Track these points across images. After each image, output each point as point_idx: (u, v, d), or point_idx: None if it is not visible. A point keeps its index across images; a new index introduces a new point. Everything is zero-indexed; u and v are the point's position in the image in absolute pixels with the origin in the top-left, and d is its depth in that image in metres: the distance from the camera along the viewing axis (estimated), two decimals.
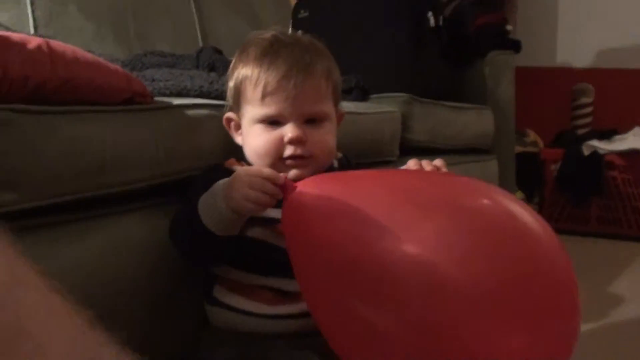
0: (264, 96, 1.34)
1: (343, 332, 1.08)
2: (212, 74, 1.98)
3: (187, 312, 1.49)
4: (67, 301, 0.48)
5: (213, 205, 1.23)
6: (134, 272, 1.39)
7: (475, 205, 1.05)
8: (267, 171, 1.20)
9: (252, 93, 1.36)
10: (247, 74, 1.38)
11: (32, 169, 1.18)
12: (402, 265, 0.96)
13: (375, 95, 2.66)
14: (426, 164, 1.33)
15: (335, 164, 1.51)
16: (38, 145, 1.19)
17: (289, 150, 1.35)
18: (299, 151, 1.35)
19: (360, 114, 2.21)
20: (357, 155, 1.52)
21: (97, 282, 1.31)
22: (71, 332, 0.46)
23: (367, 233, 1.02)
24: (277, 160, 1.36)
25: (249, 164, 1.42)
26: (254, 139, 1.38)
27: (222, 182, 1.25)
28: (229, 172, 1.33)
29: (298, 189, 1.18)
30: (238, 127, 1.46)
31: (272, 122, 1.36)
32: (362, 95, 2.58)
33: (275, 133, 1.35)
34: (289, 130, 1.34)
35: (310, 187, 1.19)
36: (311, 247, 1.12)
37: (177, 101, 1.54)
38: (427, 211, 1.02)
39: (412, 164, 1.36)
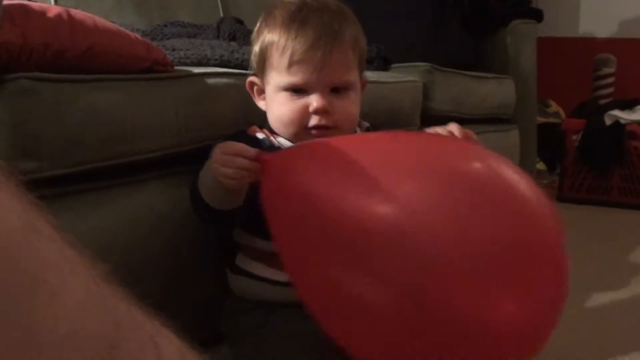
0: (290, 65, 1.32)
1: (325, 305, 1.06)
2: (233, 44, 1.97)
3: (209, 280, 1.50)
4: (81, 254, 0.48)
5: (205, 181, 1.24)
6: (155, 239, 1.40)
7: (465, 168, 1.01)
8: (238, 147, 1.18)
9: (279, 60, 1.34)
10: (273, 40, 1.35)
11: (53, 137, 1.19)
12: (383, 228, 0.94)
13: (396, 65, 2.64)
14: (441, 130, 1.31)
15: (360, 132, 1.49)
16: (59, 114, 1.20)
17: (313, 120, 1.34)
18: (323, 121, 1.34)
19: (381, 83, 2.21)
20: (378, 125, 1.51)
21: (119, 250, 1.32)
22: (86, 281, 0.46)
23: (346, 195, 0.99)
24: (302, 130, 1.35)
25: (271, 130, 1.41)
26: (278, 107, 1.36)
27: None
28: (253, 139, 1.35)
29: (275, 159, 1.16)
30: (261, 91, 1.44)
31: (298, 90, 1.34)
32: (384, 64, 2.57)
33: (301, 102, 1.34)
34: (314, 100, 1.33)
35: (287, 157, 1.18)
36: (289, 218, 1.10)
37: (197, 70, 1.54)
38: (411, 173, 0.99)
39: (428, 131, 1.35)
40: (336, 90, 1.36)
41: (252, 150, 1.17)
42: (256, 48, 1.41)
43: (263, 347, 1.32)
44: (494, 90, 3.09)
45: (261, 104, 1.45)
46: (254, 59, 1.44)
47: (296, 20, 1.34)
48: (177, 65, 1.54)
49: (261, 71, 1.41)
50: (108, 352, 0.45)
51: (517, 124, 3.31)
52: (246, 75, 1.47)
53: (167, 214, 1.42)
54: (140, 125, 1.34)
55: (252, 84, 1.45)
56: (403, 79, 2.40)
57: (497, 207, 0.96)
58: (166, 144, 1.41)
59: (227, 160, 1.17)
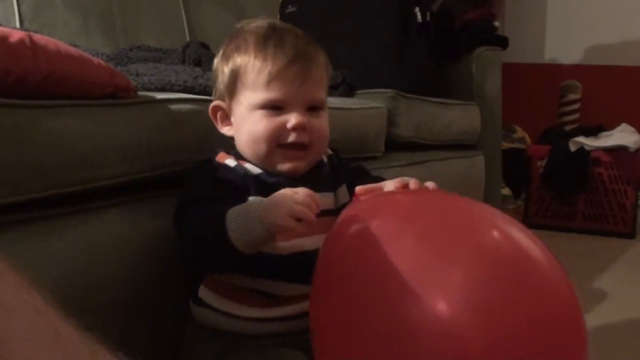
0: (269, 81, 1.32)
1: None
2: (197, 69, 1.98)
3: (170, 308, 1.49)
4: (54, 317, 0.48)
5: (246, 224, 1.18)
6: (115, 267, 1.38)
7: (497, 247, 1.02)
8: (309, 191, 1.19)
9: (256, 78, 1.33)
10: (247, 60, 1.35)
11: (14, 163, 1.18)
12: (424, 328, 0.93)
13: (361, 91, 2.65)
14: (413, 184, 1.28)
15: (325, 159, 1.49)
16: (19, 140, 1.19)
17: (291, 137, 1.33)
18: (301, 138, 1.33)
19: (346, 109, 2.21)
20: (343, 151, 1.52)
21: (78, 277, 1.31)
22: (55, 354, 0.46)
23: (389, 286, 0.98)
24: (275, 148, 1.34)
25: (238, 156, 1.39)
26: (252, 125, 1.34)
27: (256, 200, 1.24)
28: (223, 167, 1.35)
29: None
30: (225, 117, 1.43)
31: (274, 107, 1.33)
32: (349, 90, 2.58)
33: (278, 119, 1.33)
34: (293, 117, 1.32)
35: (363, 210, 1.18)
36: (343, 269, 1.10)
37: (160, 96, 1.54)
38: (451, 258, 0.99)
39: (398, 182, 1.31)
40: (312, 109, 1.36)
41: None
42: (225, 70, 1.40)
43: None
44: (459, 117, 3.11)
45: (225, 129, 1.43)
46: (220, 83, 1.42)
47: (271, 40, 1.35)
48: (140, 91, 1.54)
49: (230, 93, 1.39)
50: None
51: (482, 150, 3.32)
52: (210, 102, 1.46)
53: (129, 240, 1.41)
54: (102, 151, 1.33)
55: (217, 109, 1.43)
56: (368, 105, 2.41)
57: (530, 290, 0.96)
58: (129, 170, 1.40)
59: (303, 200, 1.17)
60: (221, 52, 1.44)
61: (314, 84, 1.36)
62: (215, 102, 1.43)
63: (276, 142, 1.34)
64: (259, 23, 1.42)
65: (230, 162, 1.37)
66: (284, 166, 1.35)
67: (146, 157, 1.43)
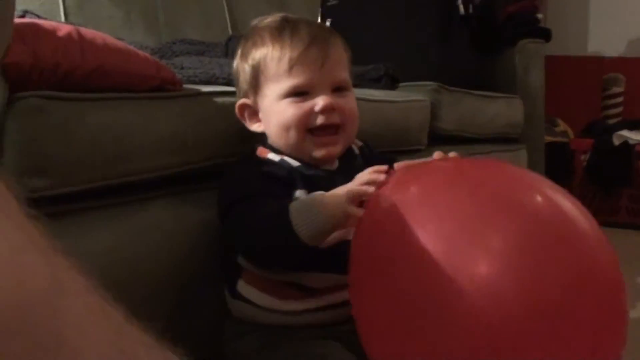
0: (291, 67, 1.33)
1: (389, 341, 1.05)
2: None
3: (213, 301, 1.49)
4: (103, 299, 0.49)
5: (310, 217, 1.19)
6: (160, 258, 1.40)
7: (539, 211, 1.00)
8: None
9: (277, 68, 1.34)
10: (266, 52, 1.36)
11: (63, 155, 1.20)
12: (467, 294, 0.91)
13: (404, 84, 2.65)
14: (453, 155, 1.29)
15: (356, 150, 1.50)
16: (68, 132, 1.20)
17: (320, 120, 1.33)
18: (331, 119, 1.34)
19: (389, 102, 2.21)
20: (385, 144, 1.52)
21: (124, 268, 1.32)
22: (107, 333, 0.47)
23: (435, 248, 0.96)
24: (305, 134, 1.35)
25: (275, 150, 1.39)
26: (280, 115, 1.36)
27: (317, 194, 1.23)
28: (266, 162, 1.36)
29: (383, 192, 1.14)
30: (253, 114, 1.44)
31: (300, 93, 1.34)
32: (392, 83, 2.57)
33: (305, 104, 1.33)
34: (320, 99, 1.33)
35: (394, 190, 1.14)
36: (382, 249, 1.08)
37: (205, 88, 1.55)
38: (493, 222, 0.98)
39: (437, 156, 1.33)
40: (337, 90, 1.36)
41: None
42: (245, 68, 1.41)
43: None
44: (502, 110, 3.09)
45: (255, 126, 1.44)
46: (243, 82, 1.43)
47: (286, 29, 1.36)
48: (185, 84, 1.55)
49: (254, 89, 1.40)
50: None
51: (525, 144, 3.31)
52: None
53: (173, 231, 1.43)
54: (149, 143, 1.35)
55: (243, 107, 1.45)
56: (411, 98, 2.41)
57: (572, 252, 0.95)
58: (174, 163, 1.42)
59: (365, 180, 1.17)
60: (239, 52, 1.46)
61: (335, 64, 1.36)
62: (240, 101, 1.45)
63: (305, 127, 1.34)
64: (271, 18, 1.44)
65: (274, 156, 1.38)
66: (319, 153, 1.36)
67: (192, 149, 1.44)
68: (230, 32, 2.90)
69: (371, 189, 1.15)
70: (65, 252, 0.48)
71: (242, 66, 1.43)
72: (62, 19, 2.32)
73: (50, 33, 1.23)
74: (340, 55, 1.39)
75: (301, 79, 1.33)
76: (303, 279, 1.33)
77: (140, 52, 1.41)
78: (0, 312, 0.37)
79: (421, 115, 2.45)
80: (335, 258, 1.24)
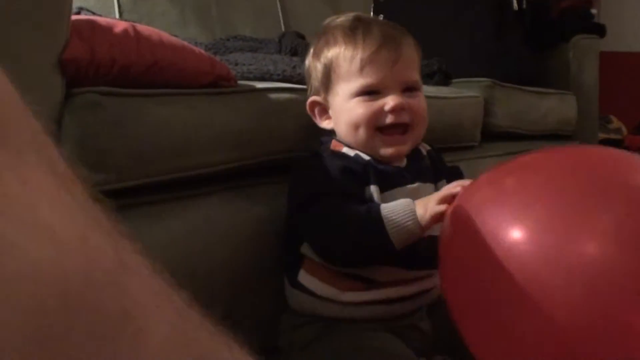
0: (362, 67, 1.33)
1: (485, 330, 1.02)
2: (295, 59, 1.98)
3: (267, 294, 1.50)
4: (167, 283, 0.49)
5: (403, 222, 1.20)
6: (214, 253, 1.40)
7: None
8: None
9: (349, 67, 1.35)
10: (338, 52, 1.37)
11: (118, 150, 1.20)
12: (576, 272, 0.88)
13: (457, 80, 2.63)
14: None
15: (424, 152, 1.49)
16: (124, 128, 1.21)
17: (390, 119, 1.34)
18: (401, 119, 1.34)
19: (442, 98, 2.20)
20: (438, 140, 1.51)
21: (179, 263, 1.33)
22: (171, 315, 0.47)
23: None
24: (374, 132, 1.35)
25: (346, 145, 1.40)
26: (350, 112, 1.36)
27: (403, 199, 1.23)
28: (340, 155, 1.36)
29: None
30: (323, 111, 1.45)
31: (371, 92, 1.34)
32: (445, 79, 2.57)
33: (375, 103, 1.34)
34: (391, 99, 1.33)
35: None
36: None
37: (260, 85, 1.55)
38: (598, 202, 0.94)
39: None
40: (408, 90, 1.36)
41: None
42: (318, 67, 1.42)
43: None
44: (555, 106, 3.07)
45: (324, 123, 1.45)
46: (314, 80, 1.44)
47: (359, 29, 1.37)
48: (240, 80, 1.56)
49: (325, 88, 1.41)
50: None
51: (578, 140, 3.27)
52: (309, 92, 1.47)
53: (227, 226, 1.43)
54: (204, 139, 1.35)
55: (314, 104, 1.46)
56: (464, 94, 2.40)
57: None
58: (229, 158, 1.42)
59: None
60: (312, 50, 1.47)
61: (406, 65, 1.37)
62: (311, 98, 1.46)
63: (375, 125, 1.35)
64: (344, 17, 1.45)
65: (348, 150, 1.38)
66: (387, 151, 1.36)
67: (246, 145, 1.45)
68: (282, 28, 2.91)
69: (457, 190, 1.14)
70: (130, 236, 0.49)
71: (314, 64, 1.44)
72: (117, 15, 2.34)
73: (107, 29, 1.24)
74: (411, 56, 1.39)
75: (372, 79, 1.34)
76: (368, 271, 1.33)
77: (195, 49, 1.42)
78: (71, 286, 0.38)
79: (474, 112, 2.43)
80: (408, 254, 1.25)
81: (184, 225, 1.36)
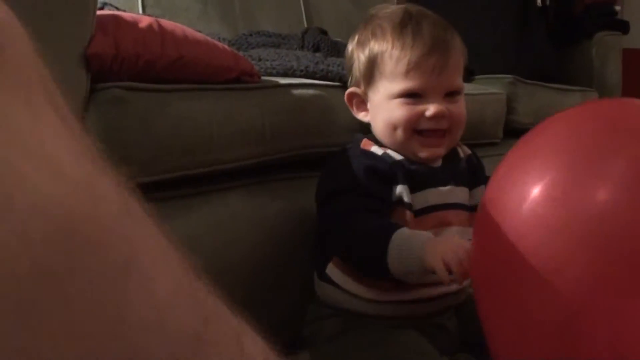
0: (408, 70, 1.31)
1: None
2: (318, 54, 1.98)
3: (289, 287, 1.50)
4: (173, 243, 0.49)
5: (406, 259, 1.18)
6: (238, 247, 1.41)
7: None
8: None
9: (394, 68, 1.33)
10: (385, 49, 1.35)
11: (143, 145, 1.21)
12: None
13: (479, 77, 2.62)
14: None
15: (461, 154, 1.48)
16: (148, 122, 1.22)
17: (429, 125, 1.33)
18: (439, 125, 1.33)
19: (465, 94, 2.19)
20: (460, 137, 1.50)
21: (201, 256, 1.33)
22: (177, 271, 0.47)
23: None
24: (412, 135, 1.34)
25: (377, 141, 1.39)
26: (390, 113, 1.34)
27: (424, 238, 1.19)
28: (372, 156, 1.35)
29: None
30: (361, 103, 1.43)
31: (412, 95, 1.33)
32: (467, 76, 2.55)
33: (416, 108, 1.32)
34: (432, 106, 1.31)
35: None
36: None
37: (283, 81, 1.55)
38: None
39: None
40: (449, 94, 1.35)
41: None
42: (361, 57, 1.39)
43: (344, 353, 1.32)
44: (577, 103, 3.04)
45: (361, 115, 1.44)
46: (356, 70, 1.42)
47: (409, 27, 1.34)
48: (263, 76, 1.56)
49: (367, 81, 1.39)
50: (194, 346, 0.45)
51: None
52: (331, 87, 1.47)
53: (251, 221, 1.44)
54: (227, 134, 1.35)
55: (353, 95, 1.44)
56: (486, 91, 2.39)
57: None
58: (252, 153, 1.43)
59: (460, 253, 1.11)
60: (356, 38, 1.44)
61: (451, 72, 1.35)
62: (351, 89, 1.44)
63: (413, 129, 1.34)
64: (393, 9, 1.42)
65: (377, 149, 1.37)
66: (423, 153, 1.35)
67: (269, 140, 1.45)
68: (305, 23, 2.90)
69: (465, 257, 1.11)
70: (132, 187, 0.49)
71: (357, 54, 1.42)
72: (140, 11, 2.34)
73: (131, 24, 1.24)
74: (457, 61, 1.37)
75: (416, 83, 1.32)
76: None
77: (219, 44, 1.42)
78: (77, 227, 0.38)
79: (497, 109, 2.43)
80: None
81: (208, 219, 1.37)
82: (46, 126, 0.40)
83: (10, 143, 0.36)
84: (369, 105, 1.41)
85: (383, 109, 1.36)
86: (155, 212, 1.15)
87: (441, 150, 1.37)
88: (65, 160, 0.39)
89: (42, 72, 0.44)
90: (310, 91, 1.54)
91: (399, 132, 1.34)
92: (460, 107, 1.37)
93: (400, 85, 1.32)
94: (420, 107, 1.32)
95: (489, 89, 2.43)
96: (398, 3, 3.06)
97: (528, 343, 0.92)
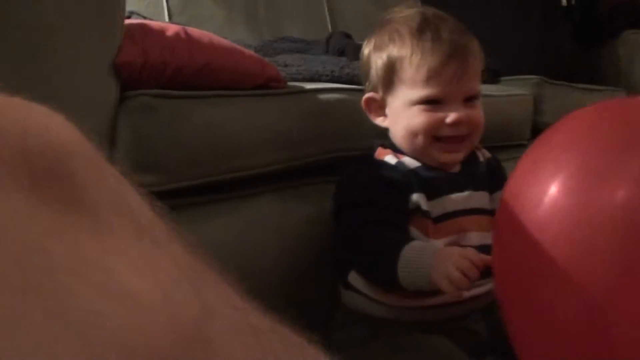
0: (429, 77, 1.30)
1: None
2: (343, 59, 1.99)
3: (318, 292, 1.51)
4: (234, 291, 0.49)
5: (415, 274, 1.19)
6: (266, 253, 1.42)
7: None
8: (476, 259, 1.13)
9: (414, 74, 1.32)
10: (404, 54, 1.33)
11: (171, 152, 1.22)
12: None
13: (505, 78, 2.62)
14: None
15: (481, 158, 1.47)
16: (177, 129, 1.23)
17: (449, 131, 1.32)
18: (459, 131, 1.33)
19: (490, 96, 2.18)
20: (486, 139, 1.49)
21: (230, 261, 1.34)
22: (253, 351, 0.47)
23: None
24: (431, 141, 1.33)
25: (394, 147, 1.38)
26: (410, 119, 1.33)
27: (430, 253, 1.19)
28: (386, 166, 1.34)
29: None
30: (379, 108, 1.41)
31: (432, 102, 1.31)
32: (493, 77, 2.55)
33: (436, 115, 1.31)
34: (452, 112, 1.30)
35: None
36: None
37: (309, 86, 1.56)
38: None
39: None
40: (468, 99, 1.34)
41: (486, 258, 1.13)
42: (379, 62, 1.38)
43: (371, 359, 1.32)
44: None
45: (379, 120, 1.42)
46: (374, 75, 1.40)
47: (427, 34, 1.33)
48: (289, 81, 1.57)
49: (386, 86, 1.37)
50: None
51: None
52: (357, 91, 1.47)
53: (279, 227, 1.45)
54: (255, 140, 1.36)
55: (371, 100, 1.42)
56: (513, 92, 2.38)
57: None
58: (280, 159, 1.43)
59: (463, 264, 1.12)
60: (373, 42, 1.42)
61: (471, 77, 1.34)
62: (368, 95, 1.42)
63: (433, 135, 1.33)
64: (409, 12, 1.41)
65: (391, 158, 1.36)
66: (442, 157, 1.35)
67: (297, 146, 1.46)
68: (329, 28, 2.91)
69: (475, 272, 1.12)
70: (207, 262, 0.49)
71: (374, 58, 1.39)
72: (166, 19, 2.36)
73: (159, 33, 1.26)
74: (476, 66, 1.36)
75: (436, 91, 1.31)
76: None
77: (246, 50, 1.43)
78: (159, 350, 0.38)
79: (523, 110, 2.42)
80: None
81: (236, 225, 1.38)
82: (115, 253, 0.40)
83: (78, 274, 0.37)
84: (387, 111, 1.40)
85: (403, 115, 1.35)
86: (185, 218, 1.16)
87: (460, 155, 1.36)
88: (136, 284, 0.39)
89: (107, 178, 0.44)
90: (337, 95, 1.55)
91: (420, 139, 1.33)
92: (478, 111, 1.36)
93: (420, 92, 1.31)
94: (440, 114, 1.31)
95: (515, 90, 2.42)
96: (422, 3, 3.07)
97: (554, 342, 0.91)
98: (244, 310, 0.48)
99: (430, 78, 1.30)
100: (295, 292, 1.48)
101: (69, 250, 0.37)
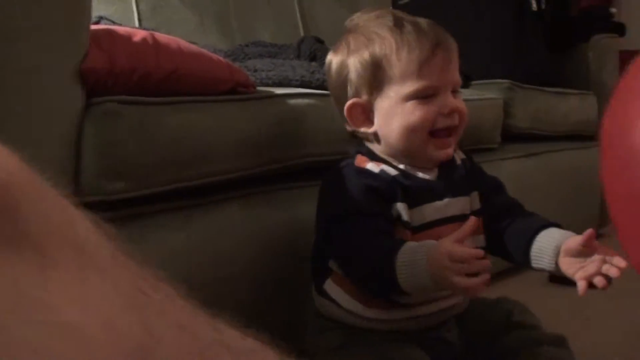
0: (420, 68, 1.27)
1: None
2: (314, 64, 1.98)
3: (293, 296, 1.51)
4: (193, 314, 0.49)
5: (415, 276, 1.17)
6: (235, 259, 1.42)
7: None
8: (467, 253, 1.12)
9: (405, 68, 1.28)
10: (390, 50, 1.29)
11: (139, 158, 1.22)
12: None
13: (476, 82, 2.62)
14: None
15: (458, 161, 1.43)
16: (144, 136, 1.22)
17: (443, 122, 1.30)
18: (453, 121, 1.31)
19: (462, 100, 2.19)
20: (458, 142, 1.50)
21: (200, 268, 1.34)
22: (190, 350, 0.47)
23: None
24: (427, 137, 1.30)
25: (372, 155, 1.35)
26: (406, 116, 1.29)
27: (425, 249, 1.17)
28: (369, 174, 1.31)
29: None
30: (363, 114, 1.35)
31: (425, 94, 1.28)
32: (464, 81, 2.55)
33: (432, 107, 1.28)
34: (448, 101, 1.29)
35: None
36: None
37: (279, 91, 1.56)
38: None
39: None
40: (454, 91, 1.33)
41: (480, 252, 1.13)
42: (358, 66, 1.33)
43: None
44: (575, 107, 3.05)
45: (364, 128, 1.36)
46: (355, 79, 1.34)
47: (408, 27, 1.31)
48: (259, 86, 1.56)
49: (372, 88, 1.32)
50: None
51: (599, 141, 3.25)
52: (327, 96, 1.45)
53: (248, 232, 1.44)
54: (224, 146, 1.36)
55: (355, 106, 1.35)
56: (483, 96, 2.39)
57: None
58: (249, 164, 1.43)
59: (462, 268, 1.11)
60: (345, 49, 1.36)
61: (455, 67, 1.33)
62: (352, 101, 1.34)
63: (429, 129, 1.30)
64: (375, 13, 1.38)
65: (373, 167, 1.33)
66: (438, 154, 1.32)
67: (266, 151, 1.45)
68: (301, 33, 2.91)
69: (473, 251, 1.12)
70: (158, 278, 0.48)
71: (352, 61, 1.33)
72: (136, 23, 2.35)
73: (126, 38, 1.25)
74: (457, 56, 1.35)
75: (430, 81, 1.28)
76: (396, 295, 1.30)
77: (214, 56, 1.42)
78: None
79: (494, 114, 2.43)
80: None
81: (207, 231, 1.37)
82: (57, 290, 0.39)
83: (16, 312, 0.36)
84: (375, 115, 1.34)
85: (397, 113, 1.30)
86: (154, 225, 1.15)
87: (451, 150, 1.35)
88: (77, 318, 0.39)
89: (66, 224, 0.43)
90: (306, 100, 1.54)
91: (417, 136, 1.29)
92: (463, 102, 1.35)
93: (413, 85, 1.28)
94: (434, 107, 1.28)
95: (486, 95, 2.43)
96: (393, 9, 3.07)
97: None
98: (192, 328, 0.47)
99: (422, 69, 1.27)
100: (267, 297, 1.48)
101: (7, 288, 0.37)
